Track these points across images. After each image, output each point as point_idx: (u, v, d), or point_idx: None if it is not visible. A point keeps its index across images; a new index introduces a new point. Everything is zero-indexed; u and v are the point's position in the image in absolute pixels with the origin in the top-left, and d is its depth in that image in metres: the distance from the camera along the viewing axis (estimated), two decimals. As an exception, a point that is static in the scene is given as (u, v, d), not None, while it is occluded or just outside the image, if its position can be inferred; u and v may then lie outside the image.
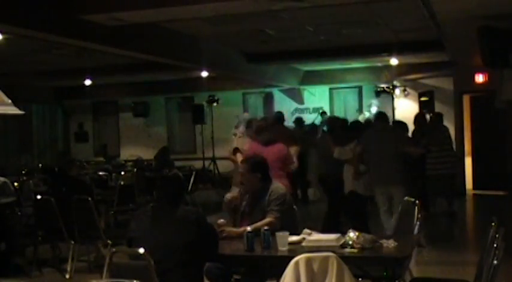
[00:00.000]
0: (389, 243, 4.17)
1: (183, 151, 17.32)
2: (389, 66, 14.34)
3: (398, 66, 14.03)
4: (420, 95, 15.47)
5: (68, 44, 8.90)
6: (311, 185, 12.35)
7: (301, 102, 16.99)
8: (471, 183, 13.30)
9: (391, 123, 10.02)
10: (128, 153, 17.57)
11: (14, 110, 4.32)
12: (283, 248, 4.22)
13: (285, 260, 3.75)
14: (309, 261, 3.66)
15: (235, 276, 4.72)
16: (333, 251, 3.81)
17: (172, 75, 15.20)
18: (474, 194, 13.05)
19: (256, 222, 4.68)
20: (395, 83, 15.31)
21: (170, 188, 4.23)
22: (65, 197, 6.93)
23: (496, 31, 7.32)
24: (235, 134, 13.06)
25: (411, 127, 10.37)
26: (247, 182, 4.96)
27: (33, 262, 7.19)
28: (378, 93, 15.35)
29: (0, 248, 6.92)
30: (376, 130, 8.01)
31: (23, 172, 11.76)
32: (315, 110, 16.43)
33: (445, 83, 14.47)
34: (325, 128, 11.99)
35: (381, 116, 8.41)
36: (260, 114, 16.37)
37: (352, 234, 4.16)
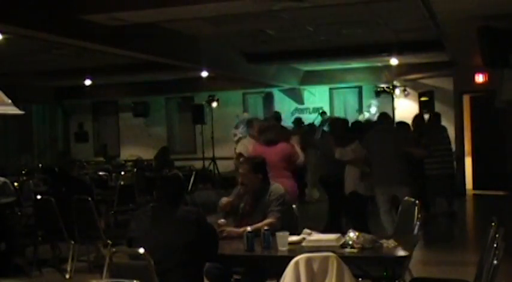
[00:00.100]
0: (389, 243, 4.17)
1: (183, 151, 17.31)
2: (389, 66, 14.32)
3: (398, 66, 14.01)
4: (420, 95, 15.44)
5: (68, 44, 8.89)
6: (308, 185, 12.34)
7: (301, 102, 16.96)
8: (471, 183, 13.30)
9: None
10: (127, 153, 17.58)
11: (14, 110, 4.31)
12: (283, 248, 4.23)
13: (285, 260, 3.75)
14: (309, 261, 3.66)
15: (235, 276, 4.72)
16: (333, 251, 3.81)
17: (172, 75, 15.18)
18: (474, 194, 13.05)
19: (257, 222, 4.69)
20: (395, 83, 15.29)
21: (170, 188, 4.22)
22: (65, 197, 6.93)
23: (496, 31, 7.31)
24: (235, 134, 13.12)
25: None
26: (248, 183, 4.97)
27: (33, 262, 7.18)
28: (378, 93, 15.33)
29: (0, 248, 6.91)
30: (378, 130, 8.00)
31: (23, 172, 11.77)
32: (315, 110, 16.39)
33: (445, 83, 14.47)
34: (326, 128, 12.00)
35: (384, 116, 8.40)
36: (260, 114, 16.38)
37: (352, 234, 4.17)
